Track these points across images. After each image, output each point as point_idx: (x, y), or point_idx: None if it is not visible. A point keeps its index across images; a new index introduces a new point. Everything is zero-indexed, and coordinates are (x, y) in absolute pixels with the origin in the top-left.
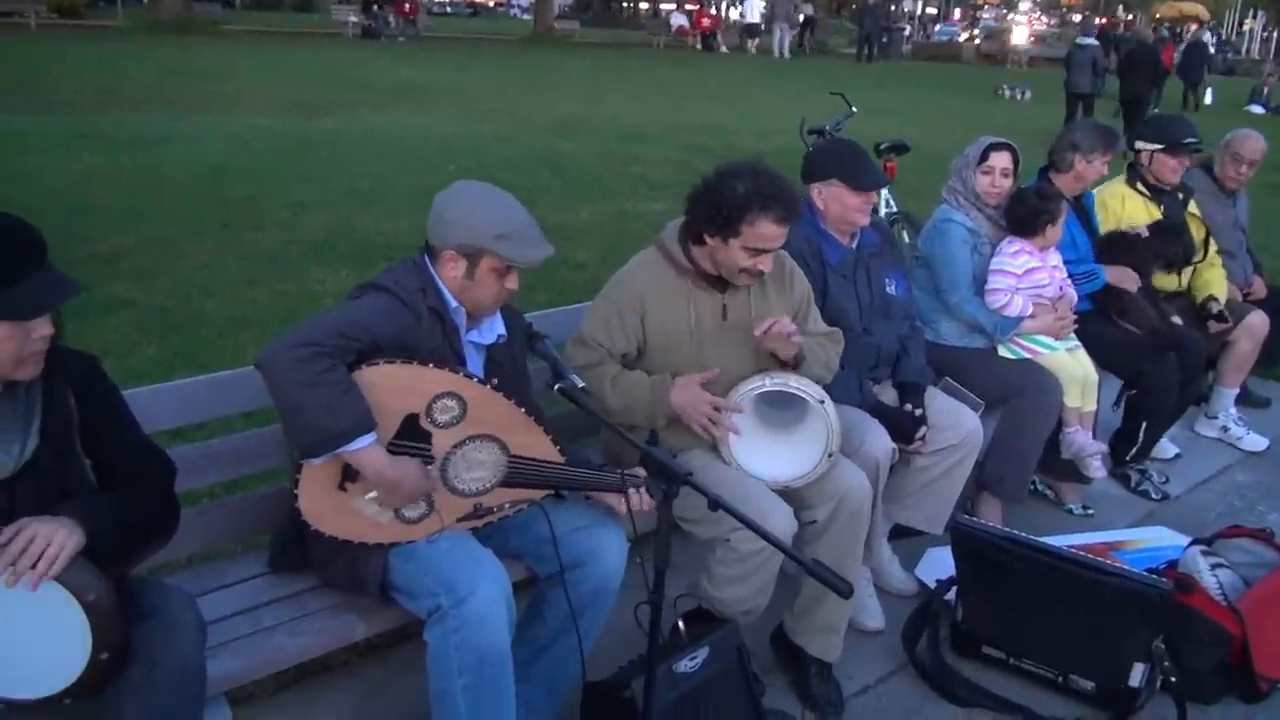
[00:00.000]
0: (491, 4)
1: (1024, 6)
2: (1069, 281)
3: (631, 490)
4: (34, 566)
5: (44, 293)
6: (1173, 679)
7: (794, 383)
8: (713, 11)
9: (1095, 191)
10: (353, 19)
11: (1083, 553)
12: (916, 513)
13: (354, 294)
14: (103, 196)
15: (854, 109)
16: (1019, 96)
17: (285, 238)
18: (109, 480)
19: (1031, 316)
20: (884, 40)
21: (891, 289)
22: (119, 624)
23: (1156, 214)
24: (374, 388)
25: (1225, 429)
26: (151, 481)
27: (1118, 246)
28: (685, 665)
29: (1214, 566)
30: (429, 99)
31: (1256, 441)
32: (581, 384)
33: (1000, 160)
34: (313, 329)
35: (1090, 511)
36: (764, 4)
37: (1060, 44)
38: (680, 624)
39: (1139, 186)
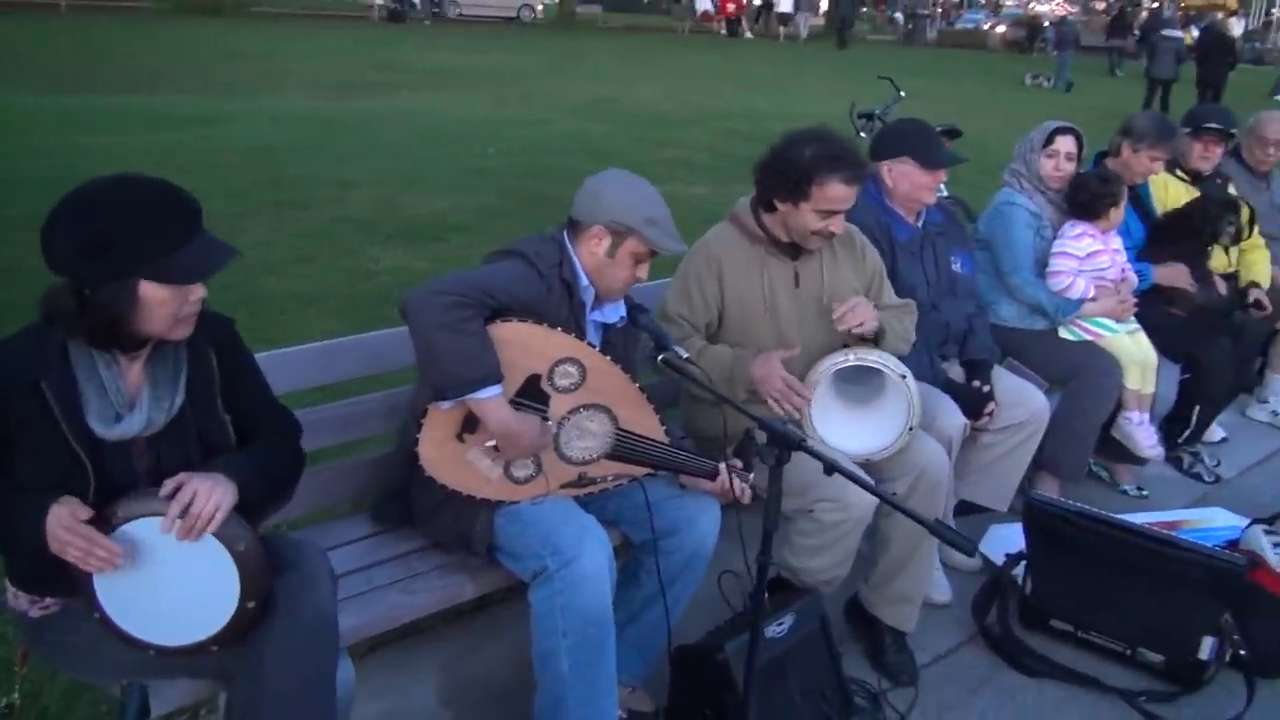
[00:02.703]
0: None
1: None
2: (1130, 265)
3: (726, 477)
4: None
5: (204, 258)
6: (1241, 653)
7: (874, 357)
8: None
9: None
10: (379, 1)
11: (1154, 528)
12: (981, 489)
13: (491, 258)
14: (160, 174)
15: (902, 93)
16: (1044, 84)
17: (334, 215)
18: (245, 436)
19: (1093, 299)
20: (908, 27)
21: (957, 266)
22: (265, 574)
23: None
24: (504, 344)
25: (1275, 413)
26: (284, 437)
27: (1170, 224)
28: (774, 630)
29: (1277, 545)
30: (461, 82)
31: None
32: (685, 355)
33: (1065, 144)
34: (458, 282)
35: (1145, 493)
36: None
37: (1088, 33)
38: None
39: (1178, 173)
